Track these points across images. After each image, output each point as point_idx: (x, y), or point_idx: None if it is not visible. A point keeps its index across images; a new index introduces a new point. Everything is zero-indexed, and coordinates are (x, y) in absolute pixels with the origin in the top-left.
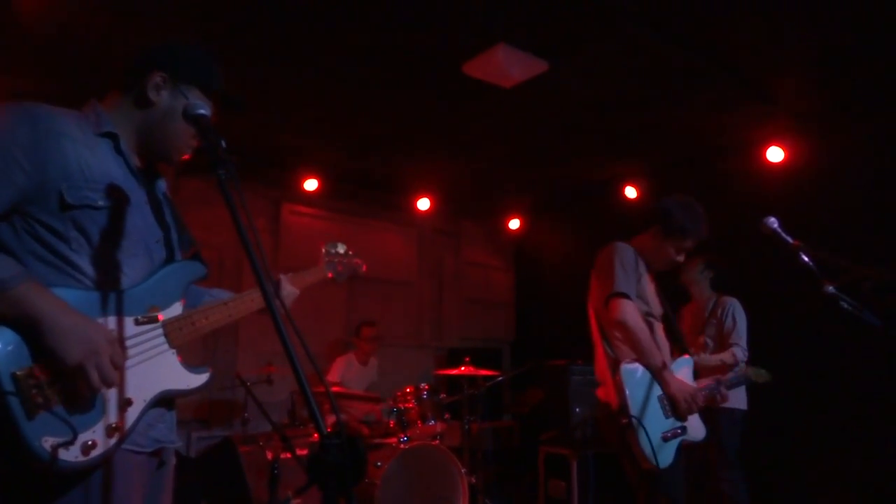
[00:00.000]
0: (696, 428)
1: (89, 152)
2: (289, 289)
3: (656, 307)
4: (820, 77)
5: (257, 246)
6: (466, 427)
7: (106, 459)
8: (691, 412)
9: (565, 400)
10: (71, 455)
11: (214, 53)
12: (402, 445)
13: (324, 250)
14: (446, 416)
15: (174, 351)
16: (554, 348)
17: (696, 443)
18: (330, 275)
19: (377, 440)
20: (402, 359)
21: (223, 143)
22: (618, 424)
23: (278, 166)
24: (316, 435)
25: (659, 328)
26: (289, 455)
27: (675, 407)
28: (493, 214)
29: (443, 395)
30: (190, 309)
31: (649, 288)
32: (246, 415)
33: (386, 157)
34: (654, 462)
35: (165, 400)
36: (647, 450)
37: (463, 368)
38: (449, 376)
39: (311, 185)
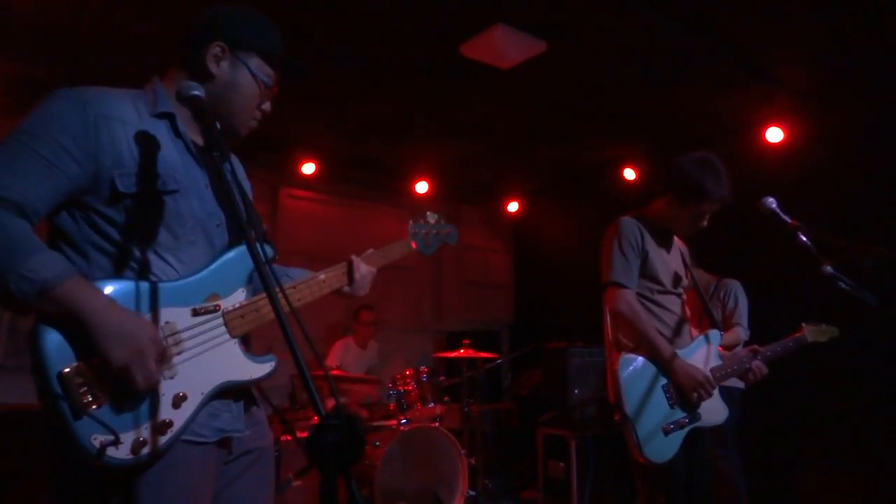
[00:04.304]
0: (712, 412)
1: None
2: (364, 269)
3: (677, 280)
4: (819, 57)
5: (252, 223)
6: (466, 409)
7: (161, 454)
8: (702, 399)
9: (564, 382)
10: (121, 453)
11: (272, 19)
12: (401, 427)
13: (411, 222)
14: (446, 398)
15: (236, 340)
16: (553, 330)
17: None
18: (414, 244)
19: (377, 423)
20: (401, 342)
21: (217, 125)
22: (614, 419)
23: (275, 150)
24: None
25: (678, 301)
26: (289, 438)
27: (683, 397)
28: (491, 197)
29: (442, 378)
30: (255, 295)
31: (666, 260)
32: None
33: (384, 141)
34: (648, 459)
35: (230, 391)
36: (640, 447)
37: (462, 351)
38: (448, 359)
39: (308, 168)
